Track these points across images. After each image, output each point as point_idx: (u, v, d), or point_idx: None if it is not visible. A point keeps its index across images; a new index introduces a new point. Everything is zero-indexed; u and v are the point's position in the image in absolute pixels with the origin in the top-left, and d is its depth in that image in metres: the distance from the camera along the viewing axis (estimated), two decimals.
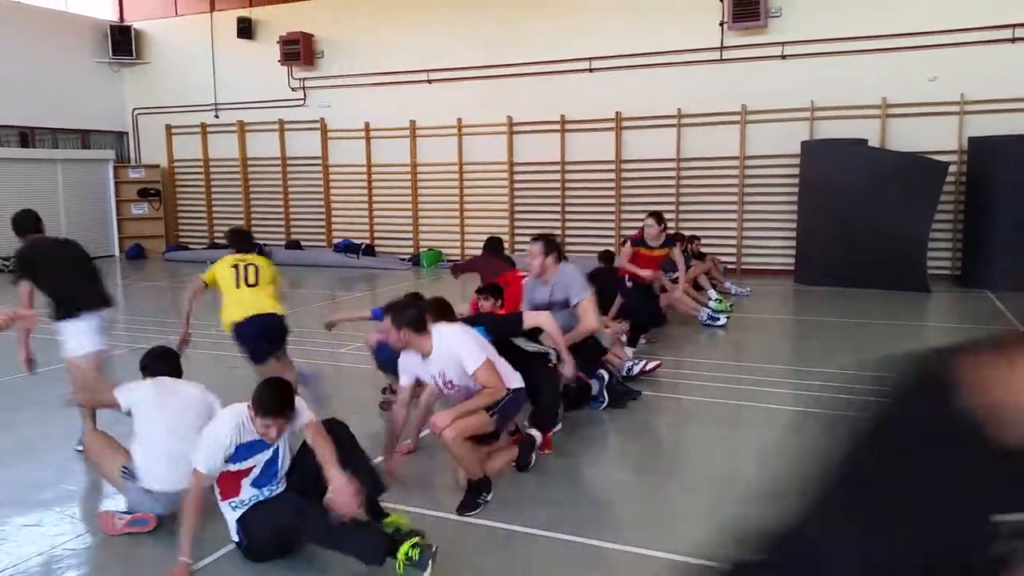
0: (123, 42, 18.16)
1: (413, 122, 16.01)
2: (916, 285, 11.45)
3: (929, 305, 10.87)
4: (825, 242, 12.18)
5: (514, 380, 4.67)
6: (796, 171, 12.90)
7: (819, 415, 6.00)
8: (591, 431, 5.85)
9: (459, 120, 15.58)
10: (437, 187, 16.05)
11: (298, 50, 16.35)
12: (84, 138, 18.12)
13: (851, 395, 6.29)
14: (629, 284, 8.31)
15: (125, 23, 18.44)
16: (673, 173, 14.12)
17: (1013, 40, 11.98)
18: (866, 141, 12.48)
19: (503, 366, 4.65)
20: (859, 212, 11.69)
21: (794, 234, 13.04)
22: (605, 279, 7.95)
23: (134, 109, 18.85)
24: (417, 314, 4.43)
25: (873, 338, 8.79)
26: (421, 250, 16.09)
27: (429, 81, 15.73)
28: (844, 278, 11.81)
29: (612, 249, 10.73)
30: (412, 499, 4.46)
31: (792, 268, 13.02)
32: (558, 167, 14.81)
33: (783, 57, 13.25)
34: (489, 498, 4.42)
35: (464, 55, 15.30)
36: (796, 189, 12.87)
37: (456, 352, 4.42)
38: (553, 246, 5.88)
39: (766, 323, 9.88)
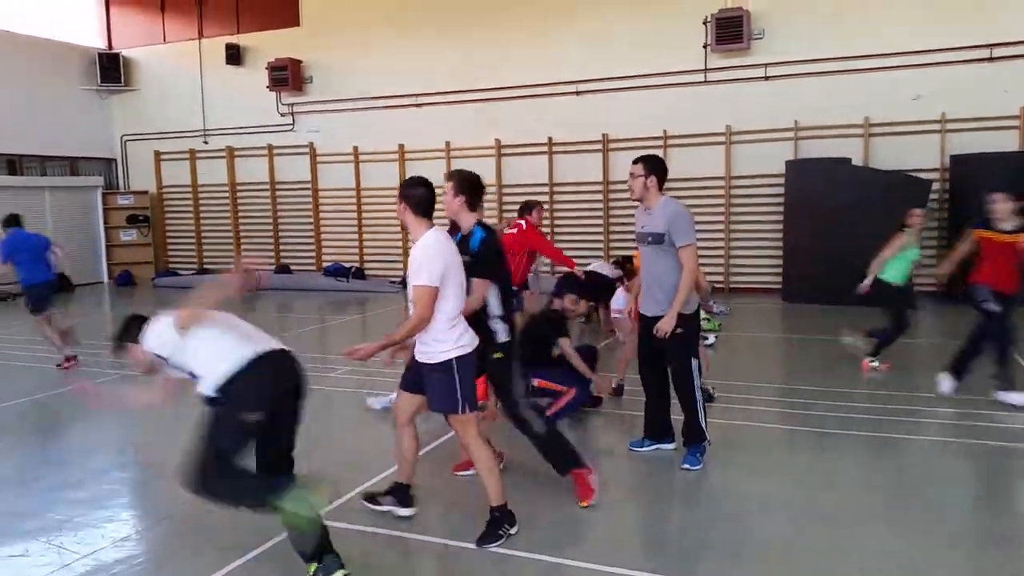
0: (111, 69, 18.22)
1: (402, 146, 16.09)
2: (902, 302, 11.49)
3: (915, 321, 10.91)
4: (811, 260, 12.27)
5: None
6: (781, 190, 13.02)
7: (809, 433, 6.04)
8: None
9: (447, 143, 15.67)
10: None
11: (286, 76, 16.44)
12: (72, 165, 18.11)
13: (841, 413, 6.35)
14: None
15: (113, 51, 18.51)
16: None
17: (991, 59, 12.17)
18: (850, 160, 12.61)
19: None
20: (844, 230, 11.79)
21: (780, 253, 13.13)
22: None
23: (123, 136, 18.88)
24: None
25: (862, 355, 8.84)
26: None
27: (417, 105, 15.83)
28: (830, 296, 11.88)
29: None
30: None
31: (779, 287, 13.10)
32: (547, 188, 14.89)
33: (766, 78, 13.41)
34: (513, 531, 4.22)
35: (452, 79, 15.42)
36: (782, 208, 12.98)
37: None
38: (657, 166, 5.16)
39: (754, 341, 9.91)
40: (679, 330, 5.10)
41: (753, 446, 5.86)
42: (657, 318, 5.15)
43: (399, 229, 16.28)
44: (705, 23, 13.48)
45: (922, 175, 12.11)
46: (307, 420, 6.24)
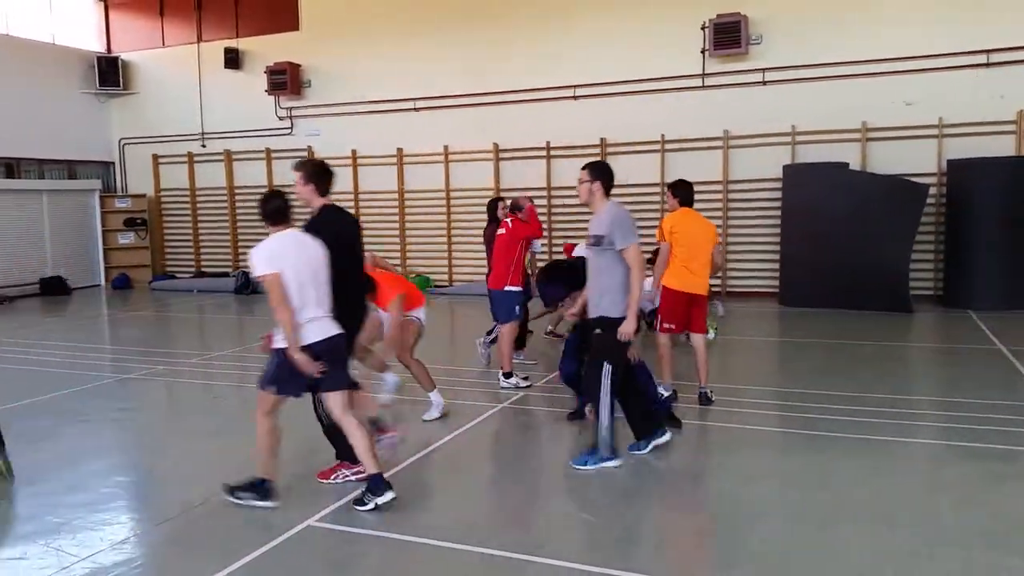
0: (110, 73, 18.22)
1: (400, 149, 16.11)
2: (899, 306, 11.56)
3: (912, 325, 10.97)
4: (809, 264, 12.30)
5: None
6: (779, 194, 13.04)
7: (804, 436, 6.05)
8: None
9: (446, 147, 15.69)
10: (425, 213, 16.12)
11: (285, 80, 16.46)
12: (70, 168, 18.11)
13: (837, 416, 6.36)
14: None
15: (112, 54, 18.52)
16: (658, 197, 14.25)
17: (988, 64, 12.22)
18: (847, 165, 12.65)
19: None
20: (842, 234, 11.83)
21: (778, 257, 13.15)
22: None
23: (121, 139, 18.87)
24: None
25: (858, 359, 8.86)
26: (409, 276, 16.11)
27: (416, 109, 15.86)
28: (828, 300, 11.92)
29: None
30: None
31: (776, 290, 13.12)
32: (544, 192, 14.91)
33: (764, 83, 13.45)
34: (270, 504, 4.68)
35: (450, 83, 15.45)
36: (779, 212, 13.01)
37: None
38: (603, 172, 5.35)
39: (751, 345, 9.93)
40: (598, 331, 5.25)
41: (748, 449, 5.87)
42: (596, 319, 5.28)
43: (398, 232, 16.31)
44: (703, 28, 13.52)
45: (920, 180, 12.15)
46: (303, 421, 6.25)
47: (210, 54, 17.53)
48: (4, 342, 10.95)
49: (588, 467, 5.29)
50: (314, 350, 4.56)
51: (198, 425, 6.83)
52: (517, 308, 7.75)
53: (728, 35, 13.24)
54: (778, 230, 13.12)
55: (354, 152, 16.48)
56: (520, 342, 8.60)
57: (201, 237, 18.33)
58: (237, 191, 17.79)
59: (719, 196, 13.83)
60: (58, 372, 8.80)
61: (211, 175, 18.00)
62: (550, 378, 7.95)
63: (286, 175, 17.12)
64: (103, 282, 18.00)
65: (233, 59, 17.15)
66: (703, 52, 13.66)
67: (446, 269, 15.90)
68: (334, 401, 4.74)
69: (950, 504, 4.68)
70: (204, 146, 17.97)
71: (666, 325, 6.90)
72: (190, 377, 8.71)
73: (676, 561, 4.10)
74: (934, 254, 12.80)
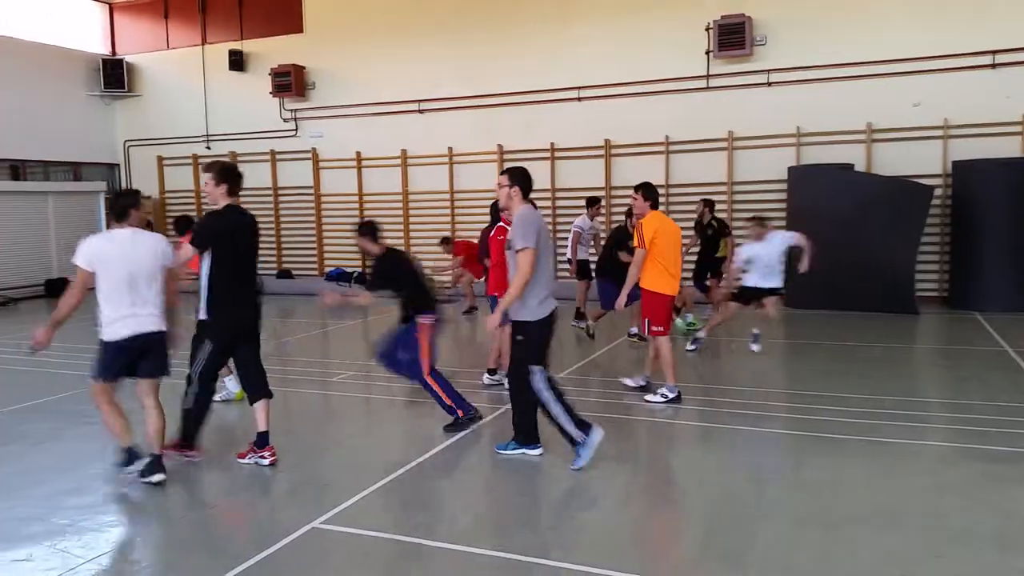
0: (115, 75, 18.27)
1: (404, 151, 16.12)
2: (905, 307, 11.52)
3: (918, 327, 10.94)
4: (814, 266, 12.23)
5: None
6: (784, 196, 13.02)
7: (811, 437, 6.03)
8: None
9: (450, 149, 15.70)
10: (429, 215, 16.12)
11: (290, 82, 16.48)
12: (76, 170, 18.16)
13: (844, 418, 6.34)
14: None
15: (117, 56, 18.57)
16: (663, 199, 14.21)
17: (993, 66, 12.19)
18: (852, 166, 12.62)
19: None
20: (847, 236, 11.78)
21: (783, 258, 13.08)
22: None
23: (126, 141, 18.91)
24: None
25: (864, 361, 8.84)
26: None
27: (420, 111, 15.86)
28: (834, 302, 11.88)
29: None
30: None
31: (782, 292, 13.06)
32: (548, 194, 14.90)
33: (768, 84, 13.43)
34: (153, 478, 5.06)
35: (454, 85, 15.46)
36: (784, 214, 12.98)
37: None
38: (520, 178, 5.48)
39: (761, 347, 9.87)
40: (519, 337, 5.40)
41: (755, 451, 5.85)
42: (515, 322, 5.42)
43: (403, 233, 16.31)
44: (707, 29, 13.51)
45: (925, 181, 12.11)
46: (309, 424, 6.26)
47: (214, 56, 17.56)
48: (9, 344, 10.97)
49: (578, 466, 5.31)
50: (122, 346, 5.01)
51: (206, 427, 6.80)
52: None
53: (732, 36, 13.23)
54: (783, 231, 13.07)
55: (358, 154, 16.50)
56: None
57: None
58: (242, 193, 17.73)
59: (724, 198, 13.80)
60: (63, 374, 8.81)
61: None
62: (560, 375, 7.92)
63: (291, 177, 17.19)
64: None
65: (237, 61, 17.18)
66: (707, 53, 13.65)
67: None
68: (144, 387, 5.23)
69: (958, 506, 4.66)
70: (209, 148, 18.00)
71: (656, 328, 7.03)
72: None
73: (681, 563, 4.08)
74: (940, 255, 12.76)
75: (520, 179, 5.47)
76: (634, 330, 9.61)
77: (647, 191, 7.21)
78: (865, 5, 12.83)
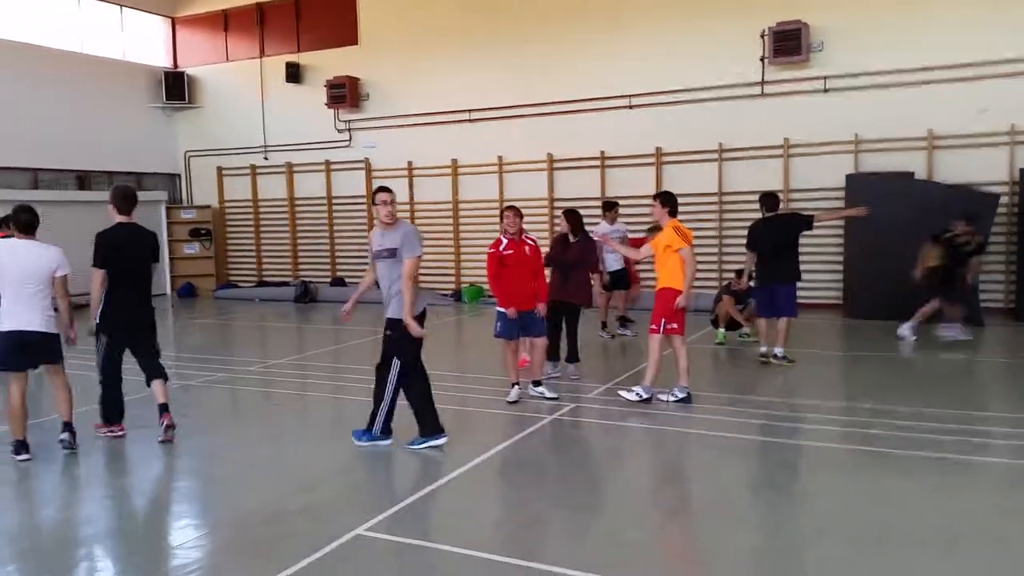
0: (176, 87, 18.80)
1: (455, 160, 16.22)
2: (969, 319, 11.12)
3: (982, 339, 10.55)
4: (874, 276, 11.95)
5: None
6: (841, 204, 12.70)
7: (868, 453, 5.85)
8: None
9: (500, 158, 15.74)
10: (478, 224, 16.18)
11: (344, 93, 16.74)
12: (138, 180, 18.68)
13: (904, 432, 6.14)
14: None
15: (179, 69, 19.11)
16: (715, 207, 14.05)
17: None
18: (912, 174, 12.27)
19: None
20: (908, 245, 11.44)
21: (841, 268, 12.81)
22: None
23: (186, 152, 19.43)
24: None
25: (925, 374, 8.57)
26: (463, 286, 16.19)
27: (471, 120, 15.95)
28: (894, 312, 11.52)
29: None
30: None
31: (840, 302, 12.78)
32: (598, 203, 14.80)
33: (825, 91, 13.15)
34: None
35: (504, 93, 15.51)
36: (843, 222, 12.67)
37: None
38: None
39: (815, 359, 9.63)
40: (388, 332, 6.01)
41: (809, 466, 5.71)
42: (389, 320, 6.03)
43: (452, 242, 16.40)
44: (762, 36, 13.31)
45: (990, 189, 11.70)
46: (349, 429, 6.30)
47: (272, 68, 17.94)
48: (72, 349, 11.31)
49: (363, 443, 6.05)
50: (5, 336, 5.85)
51: (256, 432, 6.94)
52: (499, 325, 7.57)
53: (788, 42, 13.00)
54: (841, 240, 12.79)
55: (410, 164, 16.66)
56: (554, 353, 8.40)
57: (263, 248, 18.73)
58: (297, 203, 18.13)
59: (780, 206, 13.51)
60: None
61: (273, 187, 18.40)
62: (601, 390, 7.87)
63: (344, 186, 17.44)
64: (169, 291, 18.51)
65: (294, 73, 17.52)
66: (762, 60, 13.43)
67: None
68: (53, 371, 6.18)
69: (1020, 529, 4.46)
70: (267, 159, 18.38)
71: (671, 326, 7.21)
72: (250, 384, 8.88)
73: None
74: (1005, 265, 12.30)
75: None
76: (777, 351, 8.97)
77: (666, 199, 7.52)
78: (926, 9, 12.47)
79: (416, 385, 6.06)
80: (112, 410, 6.58)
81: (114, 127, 17.83)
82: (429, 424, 6.06)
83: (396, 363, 5.98)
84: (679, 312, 7.17)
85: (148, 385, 6.60)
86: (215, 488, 5.60)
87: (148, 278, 6.67)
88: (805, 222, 9.18)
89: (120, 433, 6.57)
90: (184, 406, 8.00)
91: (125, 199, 6.54)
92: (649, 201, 14.18)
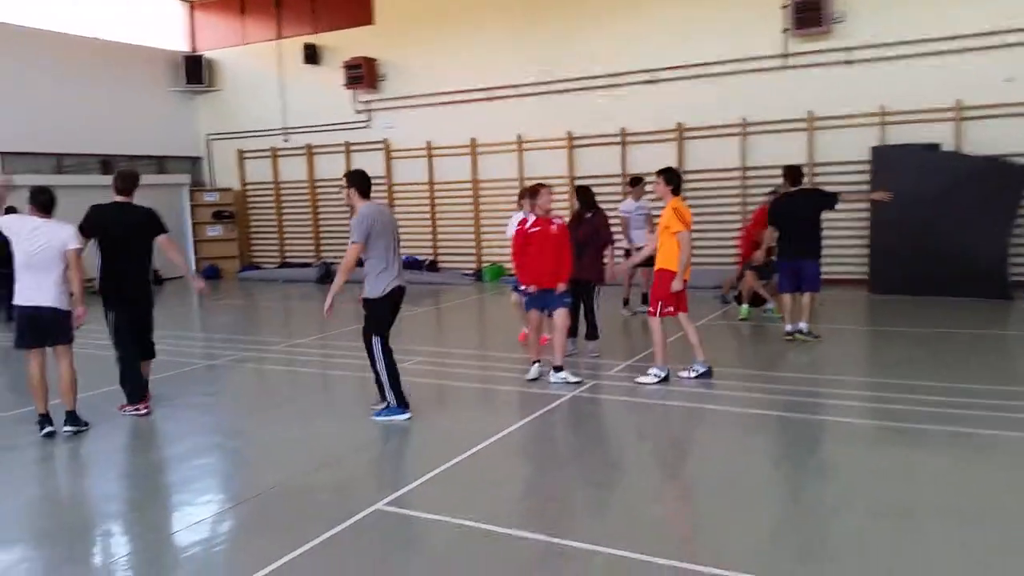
0: (196, 71, 18.85)
1: (474, 140, 16.15)
2: (997, 293, 10.94)
3: (1011, 313, 10.37)
4: (900, 250, 11.76)
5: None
6: (867, 177, 12.50)
7: (891, 428, 5.77)
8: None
9: (519, 136, 15.65)
10: (498, 202, 16.11)
11: (362, 74, 16.70)
12: (161, 164, 18.83)
13: (928, 407, 6.05)
14: None
15: (197, 53, 19.16)
16: (739, 182, 13.88)
17: None
18: (939, 146, 12.04)
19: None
20: (935, 219, 11.27)
21: (867, 242, 12.63)
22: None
23: (207, 135, 19.52)
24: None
25: (951, 349, 8.44)
26: (483, 265, 16.17)
27: (489, 99, 15.86)
28: (920, 287, 11.38)
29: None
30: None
31: (865, 278, 12.60)
32: (620, 180, 14.70)
33: (849, 62, 12.91)
34: None
35: (523, 71, 15.38)
36: None
37: None
38: (356, 180, 6.34)
39: (840, 334, 9.52)
40: (365, 312, 6.26)
41: (833, 441, 5.65)
42: (363, 300, 6.32)
43: (472, 222, 16.37)
44: (784, 7, 13.07)
45: (1020, 160, 11.44)
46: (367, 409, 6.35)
47: (290, 50, 17.93)
48: (97, 330, 11.46)
49: (380, 419, 6.20)
50: (16, 311, 6.08)
51: (279, 410, 6.99)
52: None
53: (810, 13, 12.76)
54: (867, 215, 12.59)
55: (428, 143, 16.62)
56: (572, 330, 8.29)
57: (285, 229, 18.82)
58: (318, 184, 18.17)
59: (804, 179, 13.32)
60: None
61: (293, 169, 18.46)
62: (621, 367, 7.84)
63: (364, 167, 17.33)
64: (194, 272, 18.64)
65: (312, 55, 17.50)
66: (784, 32, 13.20)
67: None
68: (60, 351, 6.20)
69: None
70: (286, 140, 18.42)
71: (668, 309, 7.19)
72: (274, 363, 8.95)
73: (750, 555, 3.95)
74: None
75: (354, 180, 6.31)
76: (802, 326, 8.82)
77: (669, 176, 7.33)
78: None
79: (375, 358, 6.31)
80: (134, 388, 6.72)
81: (136, 111, 17.93)
82: (396, 397, 6.31)
83: (375, 339, 6.20)
84: (679, 293, 7.14)
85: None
86: (238, 464, 5.65)
87: (144, 253, 6.95)
88: (829, 201, 9.03)
89: (144, 411, 6.68)
90: (210, 384, 8.10)
91: (121, 178, 6.89)
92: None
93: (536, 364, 7.43)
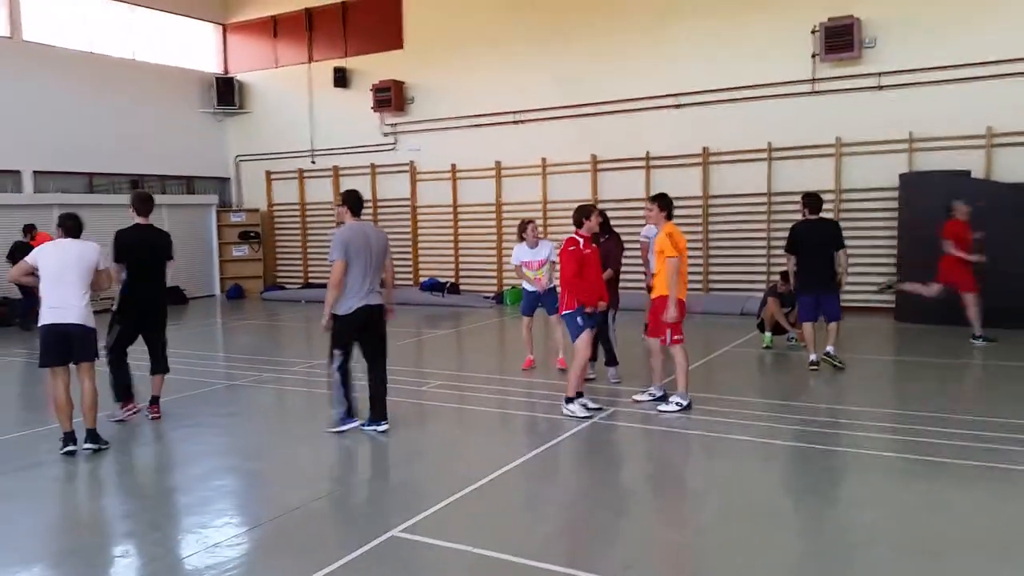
0: (227, 93, 19.16)
1: (498, 162, 16.20)
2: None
3: None
4: (927, 279, 11.55)
5: None
6: (895, 204, 12.37)
7: (920, 461, 5.64)
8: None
9: (543, 159, 15.68)
10: None
11: (389, 97, 16.87)
12: (189, 184, 19.10)
13: (957, 441, 5.90)
14: None
15: (229, 75, 19.47)
16: (764, 207, 13.78)
17: None
18: (969, 173, 11.87)
19: None
20: None
21: (894, 270, 12.45)
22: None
23: (236, 156, 19.78)
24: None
25: (980, 379, 8.26)
26: (504, 288, 16.16)
27: (514, 122, 15.92)
28: (948, 316, 11.15)
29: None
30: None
31: (892, 306, 12.41)
32: (643, 204, 14.63)
33: (879, 87, 12.81)
34: None
35: (548, 95, 15.44)
36: (895, 223, 12.33)
37: None
38: (349, 199, 6.80)
39: (866, 364, 9.36)
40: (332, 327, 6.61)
41: (859, 474, 5.53)
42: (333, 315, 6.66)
43: (494, 245, 16.39)
44: (813, 32, 13.02)
45: None
46: (404, 430, 6.36)
47: (320, 73, 18.16)
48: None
49: (340, 428, 6.53)
50: (43, 330, 6.15)
51: (299, 431, 6.99)
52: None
53: (840, 39, 12.70)
54: (895, 242, 12.43)
55: (453, 166, 16.70)
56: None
57: (309, 250, 18.96)
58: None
59: (831, 205, 13.20)
60: (170, 378, 9.17)
61: (319, 190, 18.62)
62: (643, 395, 7.74)
63: (389, 190, 17.57)
64: (218, 292, 18.86)
65: (341, 78, 17.71)
66: (814, 57, 13.14)
67: None
68: (83, 368, 6.31)
69: None
70: (314, 162, 18.60)
71: (677, 337, 7.13)
72: (295, 384, 8.95)
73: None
74: None
75: (346, 200, 6.78)
76: (829, 349, 8.74)
77: (663, 202, 7.37)
78: (981, 3, 12.07)
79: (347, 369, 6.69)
80: (120, 388, 7.16)
81: (166, 132, 18.23)
82: (379, 412, 6.62)
83: (336, 352, 6.62)
84: (678, 316, 7.06)
85: (151, 374, 7.28)
86: (256, 486, 5.64)
87: (162, 274, 7.33)
88: (838, 242, 8.80)
89: (135, 411, 7.14)
90: (230, 404, 8.12)
91: (141, 201, 7.24)
92: (695, 203, 14.12)
93: (580, 398, 7.15)
